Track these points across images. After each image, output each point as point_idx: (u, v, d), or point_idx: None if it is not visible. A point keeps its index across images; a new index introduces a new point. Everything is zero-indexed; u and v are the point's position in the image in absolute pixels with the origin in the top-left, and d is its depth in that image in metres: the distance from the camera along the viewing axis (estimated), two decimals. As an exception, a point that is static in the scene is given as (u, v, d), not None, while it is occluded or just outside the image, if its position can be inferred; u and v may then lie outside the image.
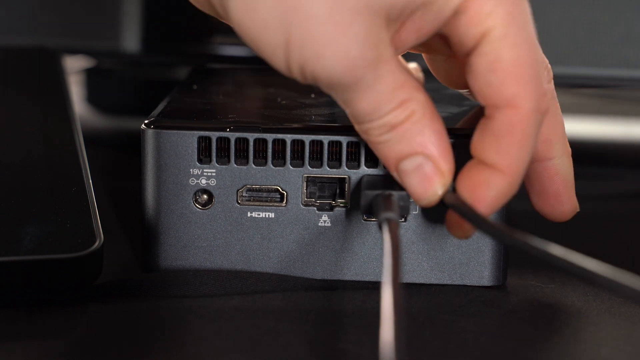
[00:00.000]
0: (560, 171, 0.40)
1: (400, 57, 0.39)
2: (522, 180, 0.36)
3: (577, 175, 0.40)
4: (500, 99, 0.35)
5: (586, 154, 0.64)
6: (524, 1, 0.35)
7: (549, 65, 0.39)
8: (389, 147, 0.36)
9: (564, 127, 0.40)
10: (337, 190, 0.40)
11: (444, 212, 0.40)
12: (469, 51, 0.35)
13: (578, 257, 0.32)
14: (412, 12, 0.34)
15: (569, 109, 0.71)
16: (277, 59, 0.34)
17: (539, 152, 0.40)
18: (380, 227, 0.36)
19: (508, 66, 0.35)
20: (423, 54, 0.41)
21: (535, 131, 0.35)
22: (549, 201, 0.40)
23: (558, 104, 0.40)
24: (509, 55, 0.34)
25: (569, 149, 0.40)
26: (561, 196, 0.40)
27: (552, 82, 0.40)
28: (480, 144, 0.36)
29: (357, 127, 0.37)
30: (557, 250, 0.32)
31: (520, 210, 0.50)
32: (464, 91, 0.41)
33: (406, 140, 0.36)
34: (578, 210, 0.41)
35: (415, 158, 0.36)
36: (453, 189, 0.37)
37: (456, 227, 0.38)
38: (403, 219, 0.40)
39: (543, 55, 0.39)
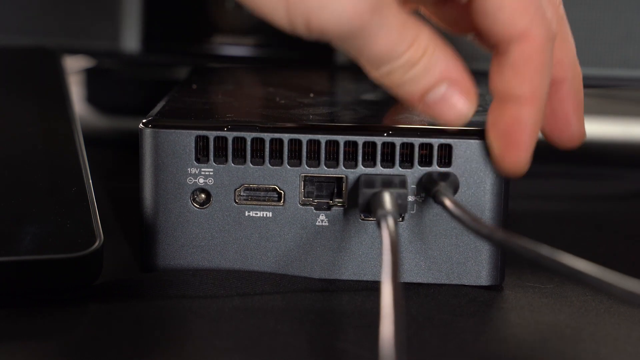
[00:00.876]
0: (572, 93, 0.40)
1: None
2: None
3: (578, 176, 0.40)
4: (513, 33, 0.36)
5: (586, 154, 0.64)
6: None
7: None
8: (414, 83, 0.37)
9: (574, 50, 0.41)
10: (335, 190, 0.40)
11: (441, 212, 0.40)
12: None
13: (567, 257, 0.32)
14: None
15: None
16: (278, 15, 0.34)
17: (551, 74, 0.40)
18: (378, 224, 0.36)
19: (514, 2, 0.36)
20: (422, 8, 0.41)
21: (551, 56, 0.37)
22: (557, 125, 0.41)
23: (568, 27, 0.41)
24: None
25: (580, 72, 0.41)
26: (570, 119, 0.41)
27: (562, 4, 0.40)
28: (502, 79, 0.37)
29: (376, 74, 0.37)
30: (545, 250, 0.32)
31: (521, 210, 0.50)
32: (469, 35, 0.41)
33: (430, 72, 0.36)
34: (585, 137, 0.41)
35: (440, 86, 0.37)
36: (449, 190, 0.37)
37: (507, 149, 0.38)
38: (400, 219, 0.40)
39: None
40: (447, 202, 0.38)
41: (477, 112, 0.43)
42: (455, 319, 0.38)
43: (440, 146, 0.40)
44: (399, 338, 0.30)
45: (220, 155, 0.40)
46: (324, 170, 0.40)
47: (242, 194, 0.40)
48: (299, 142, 0.40)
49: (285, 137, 0.40)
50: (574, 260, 0.31)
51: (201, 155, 0.40)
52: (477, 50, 0.56)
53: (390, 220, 0.36)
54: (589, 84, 0.57)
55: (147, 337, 0.36)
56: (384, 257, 0.34)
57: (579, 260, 0.31)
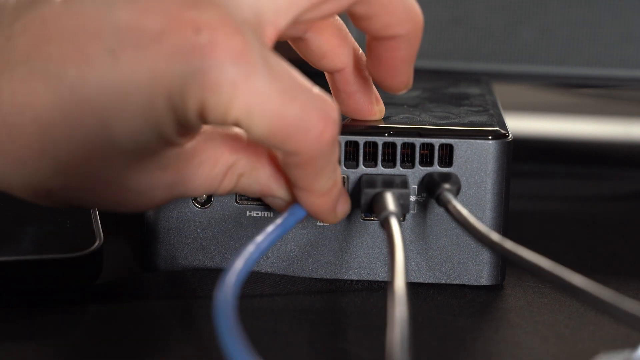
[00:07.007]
0: (404, 46, 0.38)
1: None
2: None
3: (578, 175, 0.40)
4: None
5: (586, 154, 0.64)
6: None
7: None
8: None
9: (409, 4, 0.37)
10: (335, 190, 0.40)
11: (442, 212, 0.40)
12: None
13: (568, 273, 0.31)
14: None
15: (569, 109, 0.71)
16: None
17: (378, 29, 0.37)
18: (382, 224, 0.36)
19: None
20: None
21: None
22: (385, 72, 0.38)
23: None
24: None
25: (419, 24, 0.38)
26: (397, 69, 0.38)
27: None
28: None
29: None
30: (547, 264, 0.32)
31: (521, 210, 0.50)
32: None
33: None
34: (410, 87, 0.39)
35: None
36: (453, 193, 0.37)
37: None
38: (402, 218, 0.40)
39: None
40: (451, 208, 0.38)
41: (477, 112, 0.43)
42: (455, 319, 0.38)
43: (441, 146, 0.39)
44: (407, 341, 0.29)
45: (221, 156, 0.40)
46: (324, 171, 0.40)
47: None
48: (300, 142, 0.40)
49: (286, 137, 0.40)
50: (575, 277, 0.31)
51: (202, 155, 0.40)
52: (477, 50, 0.56)
53: (395, 221, 0.36)
54: (589, 84, 0.57)
55: (147, 337, 0.36)
56: (390, 258, 0.33)
57: (579, 277, 0.31)
